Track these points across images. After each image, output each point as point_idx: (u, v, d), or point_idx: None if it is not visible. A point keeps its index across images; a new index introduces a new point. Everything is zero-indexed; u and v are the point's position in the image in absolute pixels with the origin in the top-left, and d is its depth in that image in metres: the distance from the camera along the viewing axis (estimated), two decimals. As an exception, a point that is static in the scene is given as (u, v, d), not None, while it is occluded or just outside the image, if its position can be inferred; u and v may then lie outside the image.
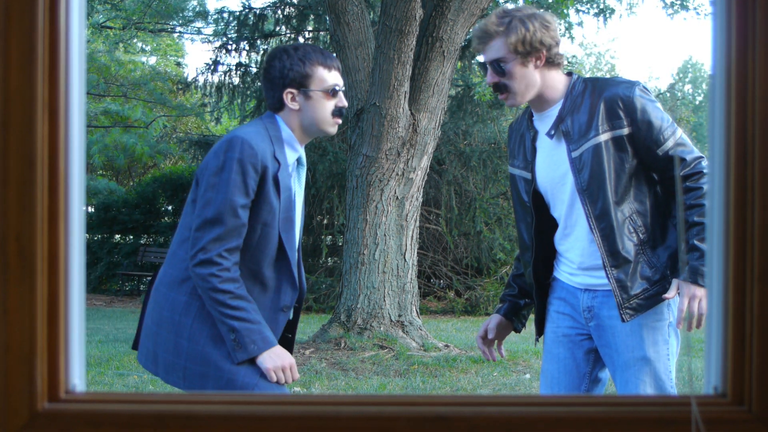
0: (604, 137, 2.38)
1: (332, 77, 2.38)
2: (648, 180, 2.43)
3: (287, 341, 2.47)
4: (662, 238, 2.43)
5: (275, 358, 2.24)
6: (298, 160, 2.41)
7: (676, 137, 2.40)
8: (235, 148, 2.22)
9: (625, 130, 2.38)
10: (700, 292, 2.28)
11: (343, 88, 2.44)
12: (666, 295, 2.35)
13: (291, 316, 2.45)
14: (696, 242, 2.34)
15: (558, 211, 2.51)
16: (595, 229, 2.41)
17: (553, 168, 2.48)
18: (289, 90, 2.35)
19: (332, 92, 2.37)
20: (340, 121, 2.41)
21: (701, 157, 2.41)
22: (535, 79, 2.43)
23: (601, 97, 2.39)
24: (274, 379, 2.26)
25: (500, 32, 2.42)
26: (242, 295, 2.22)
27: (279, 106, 2.37)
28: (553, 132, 2.47)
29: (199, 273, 2.21)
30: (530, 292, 2.65)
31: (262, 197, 2.25)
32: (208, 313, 2.26)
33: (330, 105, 2.37)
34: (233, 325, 2.20)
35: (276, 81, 2.36)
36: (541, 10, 2.52)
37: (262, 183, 2.25)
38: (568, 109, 2.44)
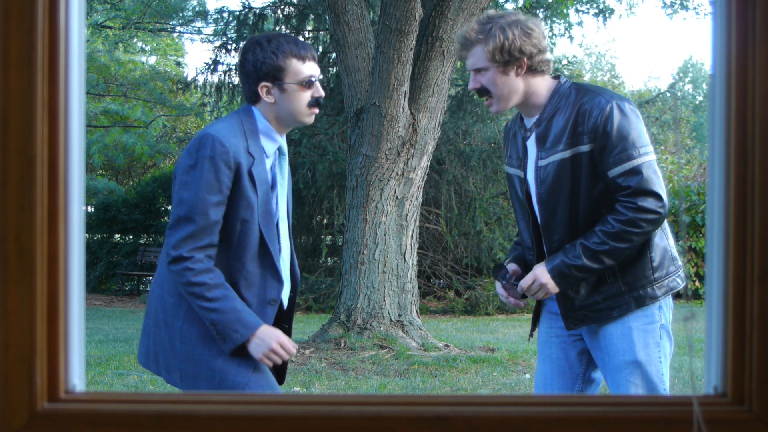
0: (569, 153, 2.35)
1: (307, 68, 2.35)
2: (606, 199, 2.37)
3: (284, 332, 2.47)
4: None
5: (261, 344, 2.23)
6: (279, 150, 2.40)
7: (633, 164, 2.29)
8: (207, 145, 2.23)
9: (587, 147, 2.33)
10: (544, 278, 2.39)
11: (320, 77, 2.41)
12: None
13: (284, 307, 2.45)
14: (582, 242, 2.34)
15: None
16: (547, 240, 2.45)
17: None
18: (263, 84, 2.33)
19: (307, 84, 2.34)
20: (317, 110, 2.40)
21: (651, 194, 2.29)
22: (517, 86, 2.40)
23: (576, 109, 2.35)
24: (270, 365, 2.26)
25: (480, 40, 2.39)
26: (218, 283, 2.23)
27: (255, 98, 2.36)
28: (529, 135, 2.46)
29: (174, 270, 2.23)
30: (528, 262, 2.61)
31: (238, 193, 2.25)
32: (196, 315, 2.27)
33: (306, 96, 2.35)
34: (212, 318, 2.21)
35: (250, 74, 2.34)
36: (527, 17, 2.46)
37: (237, 179, 2.25)
38: (547, 115, 2.41)
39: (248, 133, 2.31)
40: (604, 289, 2.40)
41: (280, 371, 2.51)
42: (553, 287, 2.40)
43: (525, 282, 2.45)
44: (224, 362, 2.26)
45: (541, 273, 2.41)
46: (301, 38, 14.39)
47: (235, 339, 2.22)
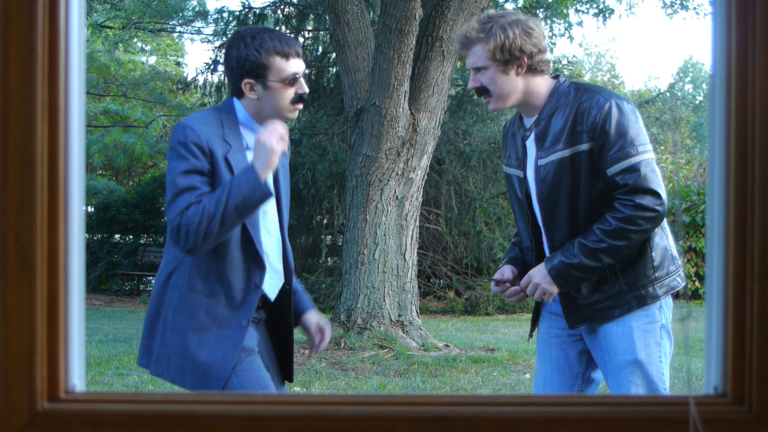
0: (568, 152, 2.36)
1: (291, 65, 2.34)
2: (606, 198, 2.38)
3: (288, 327, 2.48)
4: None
5: (263, 153, 2.20)
6: None
7: (631, 162, 2.30)
8: (179, 132, 2.27)
9: (586, 146, 2.34)
10: (538, 278, 2.41)
11: (305, 72, 2.40)
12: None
13: (270, 300, 2.45)
14: (580, 240, 2.35)
15: None
16: (548, 239, 2.45)
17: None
18: (246, 80, 2.33)
19: (291, 81, 2.34)
20: (300, 106, 2.39)
21: (649, 192, 2.30)
22: (516, 86, 2.41)
23: (575, 108, 2.36)
24: (284, 145, 2.23)
25: (480, 39, 2.39)
26: (207, 199, 2.20)
27: (239, 93, 2.37)
28: (528, 134, 2.47)
29: (181, 238, 2.20)
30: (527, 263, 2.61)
31: (216, 179, 2.27)
32: (185, 306, 2.30)
33: (289, 93, 2.34)
34: (233, 204, 2.18)
35: (234, 70, 2.35)
36: (527, 17, 2.47)
37: (214, 164, 2.27)
38: (546, 114, 2.42)
39: (225, 122, 2.33)
40: (605, 289, 2.40)
41: (286, 369, 2.50)
42: (549, 287, 2.39)
43: (522, 283, 2.46)
44: (209, 356, 2.29)
45: (535, 274, 2.42)
46: (300, 38, 14.41)
47: (254, 180, 2.18)
